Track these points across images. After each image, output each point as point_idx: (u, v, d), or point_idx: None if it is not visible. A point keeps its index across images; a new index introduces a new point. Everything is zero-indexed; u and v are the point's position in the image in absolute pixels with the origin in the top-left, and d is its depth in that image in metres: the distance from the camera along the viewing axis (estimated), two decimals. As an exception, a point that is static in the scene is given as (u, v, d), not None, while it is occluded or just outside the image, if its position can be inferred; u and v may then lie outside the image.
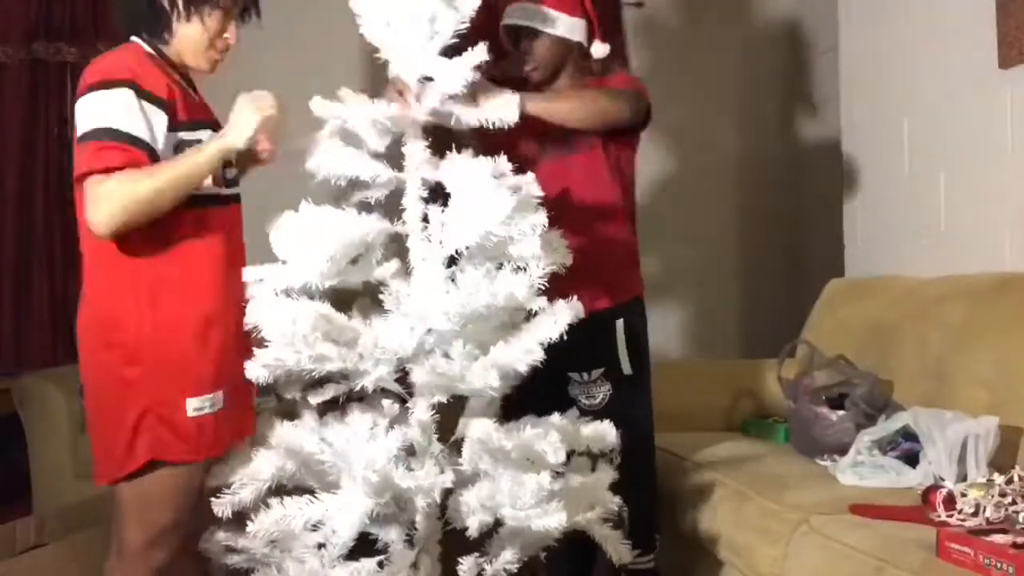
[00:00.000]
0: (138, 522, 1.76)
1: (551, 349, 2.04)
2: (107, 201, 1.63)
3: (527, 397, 1.93)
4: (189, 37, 1.80)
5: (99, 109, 1.65)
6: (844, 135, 3.55)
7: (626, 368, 2.35)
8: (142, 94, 1.67)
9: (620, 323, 2.36)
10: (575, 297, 1.82)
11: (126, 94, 1.65)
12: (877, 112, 3.32)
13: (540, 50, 2.38)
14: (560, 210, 2.27)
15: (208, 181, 1.75)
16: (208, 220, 1.77)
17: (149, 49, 1.79)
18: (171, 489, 1.75)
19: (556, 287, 1.84)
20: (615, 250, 2.39)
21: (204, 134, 1.76)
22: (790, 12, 4.30)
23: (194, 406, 1.72)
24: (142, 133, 1.66)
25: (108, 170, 1.63)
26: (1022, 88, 2.63)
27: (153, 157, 1.67)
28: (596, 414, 2.11)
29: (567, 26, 2.38)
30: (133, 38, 1.81)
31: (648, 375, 2.44)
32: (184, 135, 1.73)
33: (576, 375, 2.33)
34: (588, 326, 2.20)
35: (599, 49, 2.45)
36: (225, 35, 1.83)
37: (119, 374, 1.72)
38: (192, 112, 1.77)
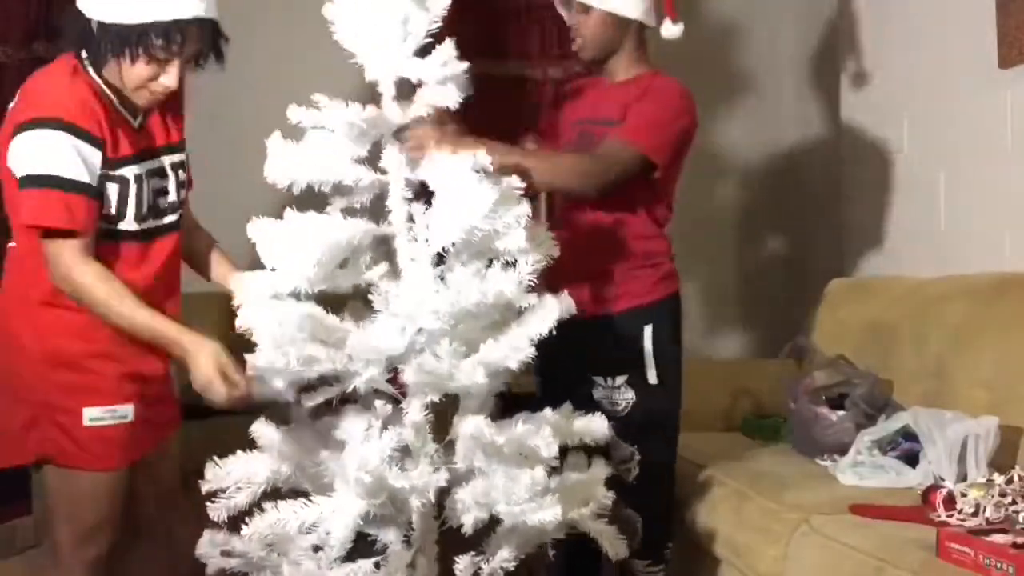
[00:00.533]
0: (65, 520, 1.82)
1: (579, 349, 2.02)
2: (69, 280, 1.71)
3: (554, 396, 1.91)
4: (122, 73, 1.76)
5: (40, 152, 1.69)
6: (844, 135, 3.55)
7: (651, 378, 2.23)
8: (80, 135, 1.70)
9: (648, 330, 2.22)
10: (566, 292, 1.81)
11: (64, 138, 1.68)
12: (877, 112, 3.32)
13: (587, 26, 2.22)
14: (576, 209, 2.25)
15: (132, 222, 1.80)
16: (122, 252, 1.81)
17: (90, 71, 1.77)
18: (89, 491, 1.80)
19: (575, 288, 1.84)
20: (634, 248, 2.24)
21: (127, 171, 1.78)
22: (790, 12, 4.30)
23: (91, 415, 1.76)
24: (82, 176, 1.70)
25: (52, 230, 1.70)
26: (1022, 88, 2.62)
27: (92, 195, 1.72)
28: (618, 421, 2.04)
29: (621, 1, 2.18)
30: (82, 54, 1.78)
31: (677, 386, 2.30)
32: (109, 171, 1.76)
33: (600, 379, 2.23)
34: (615, 329, 2.17)
35: (670, 30, 2.28)
36: (162, 79, 1.77)
37: (15, 369, 1.79)
38: (121, 149, 1.78)
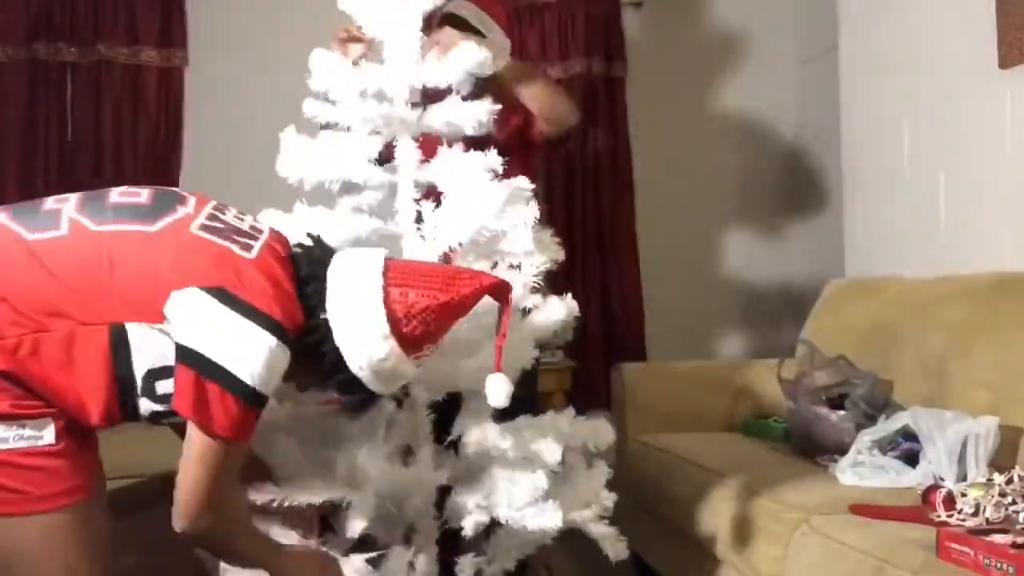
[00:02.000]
0: None
1: None
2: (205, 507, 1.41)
3: None
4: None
5: (256, 355, 1.36)
6: (844, 135, 3.55)
7: None
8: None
9: None
10: (569, 294, 1.81)
11: (283, 353, 1.40)
12: (877, 112, 3.32)
13: None
14: None
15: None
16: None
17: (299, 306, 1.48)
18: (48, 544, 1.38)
19: None
20: None
21: None
22: (790, 12, 4.31)
23: None
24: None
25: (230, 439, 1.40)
26: (1022, 88, 2.63)
27: None
28: None
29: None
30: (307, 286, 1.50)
31: None
32: None
33: None
34: None
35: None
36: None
37: None
38: None
